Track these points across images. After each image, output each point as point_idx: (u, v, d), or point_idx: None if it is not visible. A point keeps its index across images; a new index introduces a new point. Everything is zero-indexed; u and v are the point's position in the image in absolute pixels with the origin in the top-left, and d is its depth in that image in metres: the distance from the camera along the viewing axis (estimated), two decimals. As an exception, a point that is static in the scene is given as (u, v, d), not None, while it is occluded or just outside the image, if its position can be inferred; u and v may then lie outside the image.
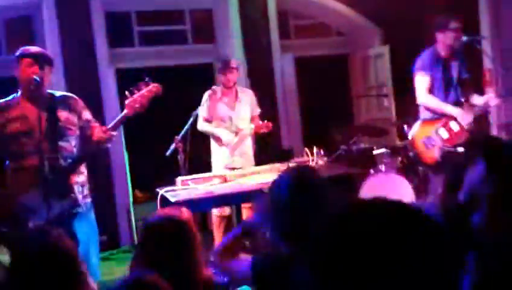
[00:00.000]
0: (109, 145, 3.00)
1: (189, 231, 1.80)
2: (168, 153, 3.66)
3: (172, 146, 3.66)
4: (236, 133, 4.35)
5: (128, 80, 5.38)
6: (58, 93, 3.00)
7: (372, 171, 4.49)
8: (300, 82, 6.13)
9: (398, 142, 5.14)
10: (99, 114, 4.60)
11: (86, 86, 4.96)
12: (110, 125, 2.91)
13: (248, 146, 4.52)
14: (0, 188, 2.85)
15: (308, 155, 3.80)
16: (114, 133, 2.89)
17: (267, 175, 3.68)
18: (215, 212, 4.44)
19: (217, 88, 4.31)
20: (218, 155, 4.45)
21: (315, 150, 3.83)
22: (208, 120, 4.44)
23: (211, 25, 5.96)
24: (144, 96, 2.90)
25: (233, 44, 5.72)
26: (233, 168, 4.17)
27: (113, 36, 5.39)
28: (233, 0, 5.64)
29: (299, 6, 6.17)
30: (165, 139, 3.79)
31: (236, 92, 4.43)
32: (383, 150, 4.78)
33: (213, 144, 4.48)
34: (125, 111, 2.90)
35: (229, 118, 4.39)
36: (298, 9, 6.25)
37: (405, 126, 4.11)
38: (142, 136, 6.43)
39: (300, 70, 6.15)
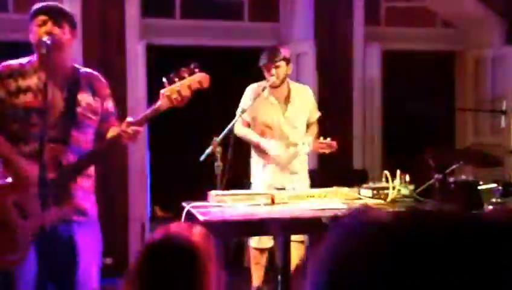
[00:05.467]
0: (130, 143, 3.03)
1: (202, 259, 1.75)
2: (202, 158, 3.72)
3: (209, 150, 3.72)
4: (287, 146, 4.37)
5: (162, 58, 5.54)
6: (83, 70, 3.08)
7: (474, 212, 4.39)
8: (387, 83, 6.08)
9: (515, 178, 4.99)
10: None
11: (108, 59, 5.16)
12: (135, 119, 2.93)
13: (303, 162, 4.53)
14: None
15: (388, 180, 3.76)
16: (140, 129, 2.92)
17: (331, 201, 3.67)
18: (252, 243, 4.48)
19: (263, 84, 4.34)
20: (261, 171, 4.47)
21: (398, 174, 3.77)
22: (249, 125, 4.46)
23: (275, -2, 6.05)
24: (186, 87, 2.88)
25: (301, 25, 5.79)
26: (281, 189, 4.19)
27: (150, 5, 5.60)
28: (308, -31, 5.71)
29: (395, -18, 6.16)
30: (202, 141, 3.86)
31: (289, 90, 4.44)
32: (492, 185, 4.66)
33: (254, 157, 4.50)
34: (158, 103, 2.90)
35: (277, 125, 4.40)
36: (393, -13, 6.23)
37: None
38: (172, 135, 6.60)
39: (388, 68, 6.10)
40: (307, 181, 4.52)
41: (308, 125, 4.52)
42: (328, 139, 4.27)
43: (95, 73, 3.14)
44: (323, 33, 5.76)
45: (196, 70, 2.92)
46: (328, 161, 5.22)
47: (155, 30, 5.67)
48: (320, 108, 5.58)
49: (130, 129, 2.88)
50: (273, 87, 4.33)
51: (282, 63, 4.32)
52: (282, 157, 4.37)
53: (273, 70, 4.28)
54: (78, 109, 2.96)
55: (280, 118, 4.42)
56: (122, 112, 4.67)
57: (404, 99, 6.24)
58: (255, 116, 4.40)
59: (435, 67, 6.52)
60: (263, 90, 4.28)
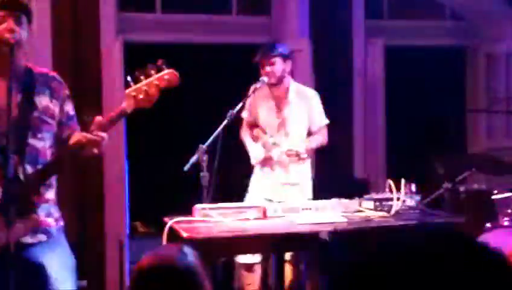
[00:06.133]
0: (96, 151, 2.98)
1: (197, 281, 1.84)
2: (186, 167, 3.73)
3: (194, 158, 3.73)
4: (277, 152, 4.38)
5: (142, 57, 5.54)
6: (38, 69, 3.07)
7: (488, 225, 4.43)
8: (391, 83, 6.10)
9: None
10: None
11: (82, 59, 5.17)
12: (99, 123, 2.89)
13: (304, 172, 4.54)
14: None
15: (391, 190, 3.78)
16: (103, 134, 2.89)
17: (329, 214, 3.71)
18: (241, 259, 4.48)
19: (262, 83, 4.38)
20: (257, 181, 4.49)
21: (403, 183, 3.80)
22: (252, 125, 4.50)
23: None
24: (154, 86, 2.88)
25: (295, 19, 5.80)
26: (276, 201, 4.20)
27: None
28: (303, -44, 5.74)
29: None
30: (187, 149, 3.86)
31: (287, 90, 4.47)
32: (507, 194, 4.70)
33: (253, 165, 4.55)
34: (123, 104, 2.90)
35: (271, 128, 4.42)
36: (397, -23, 6.28)
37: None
38: (153, 142, 6.58)
39: (392, 66, 6.12)
40: (309, 194, 4.53)
41: (310, 134, 4.51)
42: (300, 149, 4.30)
43: (52, 73, 3.14)
44: (320, 28, 5.77)
45: (164, 67, 2.92)
46: (325, 170, 5.24)
47: (133, 26, 5.66)
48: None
49: (93, 135, 2.86)
50: (270, 85, 4.37)
51: (278, 60, 4.35)
52: (259, 158, 4.37)
53: (268, 68, 4.31)
54: (35, 114, 2.95)
55: (274, 121, 4.44)
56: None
57: (410, 100, 6.24)
58: (256, 117, 4.44)
59: (444, 64, 6.51)
60: (254, 90, 4.31)
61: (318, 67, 5.70)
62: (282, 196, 4.33)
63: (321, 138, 4.55)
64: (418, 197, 3.93)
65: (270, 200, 4.24)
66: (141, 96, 2.87)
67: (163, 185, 6.07)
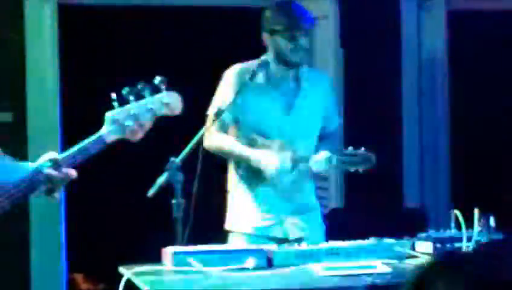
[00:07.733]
0: (57, 196, 3.13)
1: None
2: (151, 192, 3.73)
3: (163, 179, 3.73)
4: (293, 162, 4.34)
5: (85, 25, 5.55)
6: None
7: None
8: (456, 65, 6.11)
9: None
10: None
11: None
12: (65, 154, 3.03)
13: (312, 190, 4.56)
14: None
15: (459, 225, 3.78)
16: (73, 172, 3.01)
17: (366, 262, 3.68)
18: None
19: (255, 64, 4.37)
20: (247, 209, 4.41)
21: (476, 215, 3.81)
22: (226, 130, 4.42)
23: None
24: (147, 112, 3.05)
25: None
26: (282, 240, 4.21)
27: None
28: None
29: None
30: (152, 165, 3.89)
31: (298, 75, 4.47)
32: None
33: (235, 184, 4.50)
34: (103, 131, 3.02)
35: (277, 130, 4.38)
36: None
37: None
38: (102, 159, 6.57)
39: (458, 40, 6.15)
40: (321, 221, 4.56)
41: (321, 136, 4.50)
42: (362, 149, 4.24)
43: None
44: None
45: (163, 86, 3.05)
46: (362, 196, 5.23)
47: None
48: (347, 106, 5.59)
49: (60, 173, 2.96)
50: (285, 64, 4.37)
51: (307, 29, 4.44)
52: (284, 181, 4.33)
53: (303, 39, 4.35)
54: None
55: (281, 117, 4.39)
56: (20, 109, 4.64)
57: (486, 92, 6.26)
58: (239, 117, 4.34)
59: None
60: (253, 74, 4.29)
61: (349, 42, 5.75)
62: (296, 229, 4.35)
63: (336, 143, 4.61)
64: (498, 236, 3.93)
65: (282, 240, 4.21)
66: (128, 123, 2.99)
67: (117, 220, 6.07)
